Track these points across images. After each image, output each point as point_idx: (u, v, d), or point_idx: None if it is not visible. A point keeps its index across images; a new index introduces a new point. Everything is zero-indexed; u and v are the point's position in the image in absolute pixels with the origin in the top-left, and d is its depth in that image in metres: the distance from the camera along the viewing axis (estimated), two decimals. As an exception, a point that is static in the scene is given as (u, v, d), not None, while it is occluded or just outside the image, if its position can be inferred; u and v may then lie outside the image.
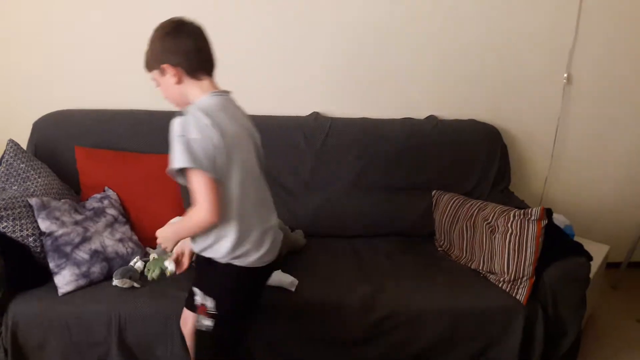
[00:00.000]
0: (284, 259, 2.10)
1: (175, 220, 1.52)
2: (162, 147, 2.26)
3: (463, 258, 2.24)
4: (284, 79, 2.57)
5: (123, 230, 2.07)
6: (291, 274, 1.97)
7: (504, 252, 2.04)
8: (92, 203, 2.09)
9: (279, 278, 1.94)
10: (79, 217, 1.98)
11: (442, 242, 2.38)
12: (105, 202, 2.11)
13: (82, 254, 1.89)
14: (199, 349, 1.57)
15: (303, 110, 2.58)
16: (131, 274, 1.86)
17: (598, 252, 2.47)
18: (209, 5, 2.42)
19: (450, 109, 2.65)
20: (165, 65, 1.44)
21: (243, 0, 2.43)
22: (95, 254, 1.91)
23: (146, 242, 2.14)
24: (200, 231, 1.43)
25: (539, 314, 1.99)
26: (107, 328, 1.79)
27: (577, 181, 2.90)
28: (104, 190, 2.18)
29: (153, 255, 2.01)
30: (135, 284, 1.90)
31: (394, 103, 2.63)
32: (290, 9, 2.47)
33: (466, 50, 2.62)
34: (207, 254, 1.49)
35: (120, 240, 2.02)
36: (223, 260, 1.47)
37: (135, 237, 2.10)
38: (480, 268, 2.14)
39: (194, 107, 1.41)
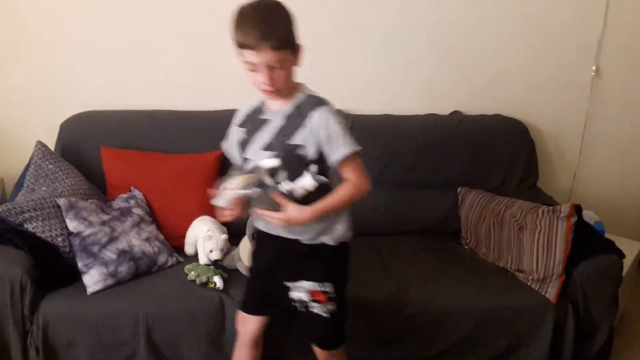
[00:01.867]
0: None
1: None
2: (186, 146, 2.34)
3: (491, 256, 2.21)
4: (306, 76, 2.56)
5: (149, 229, 2.09)
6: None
7: (532, 250, 2.01)
8: (119, 203, 2.12)
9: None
10: (106, 217, 2.01)
11: (469, 239, 2.35)
12: (132, 201, 2.13)
13: (109, 254, 1.91)
14: (330, 333, 1.59)
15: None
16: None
17: (630, 249, 2.41)
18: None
19: (476, 104, 2.61)
20: (299, 46, 1.42)
21: None
22: (122, 253, 1.93)
23: (172, 241, 2.15)
24: (351, 203, 1.48)
25: (569, 313, 1.96)
26: (135, 327, 1.81)
27: (607, 177, 2.83)
28: (130, 190, 2.20)
29: (208, 260, 2.02)
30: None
31: (418, 98, 2.60)
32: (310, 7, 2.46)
33: (491, 44, 2.58)
34: (320, 240, 1.50)
35: (147, 239, 2.03)
36: (335, 242, 1.52)
37: (161, 237, 2.11)
38: (508, 266, 2.11)
39: (317, 95, 1.47)
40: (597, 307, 1.98)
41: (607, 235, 2.33)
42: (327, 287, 1.52)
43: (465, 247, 2.35)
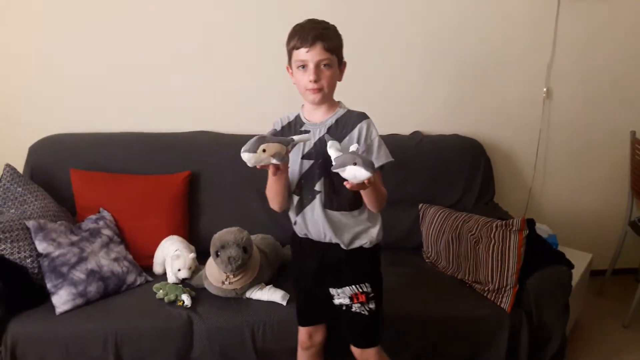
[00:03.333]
0: (276, 274, 2.17)
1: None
2: (154, 168, 2.38)
3: (450, 269, 2.31)
4: (271, 98, 2.65)
5: (118, 249, 2.13)
6: (285, 288, 2.04)
7: (488, 262, 2.11)
8: (88, 224, 2.15)
9: (271, 293, 2.00)
10: (75, 238, 2.04)
11: (430, 254, 2.45)
12: (101, 222, 2.17)
13: (78, 274, 1.94)
14: (370, 331, 1.69)
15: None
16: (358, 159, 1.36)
17: (581, 260, 2.55)
18: (195, 32, 2.51)
19: (434, 125, 2.74)
20: (345, 62, 1.58)
21: (223, 31, 2.52)
22: (91, 273, 1.96)
23: (141, 260, 2.19)
24: (376, 204, 1.55)
25: (523, 322, 2.06)
26: (104, 346, 1.84)
27: (560, 192, 2.99)
28: (99, 212, 2.24)
29: (176, 278, 2.07)
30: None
31: (380, 120, 2.67)
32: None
33: (449, 68, 2.72)
34: (358, 242, 1.61)
35: (116, 259, 2.07)
36: (371, 244, 1.62)
37: (130, 256, 2.15)
38: (466, 278, 2.21)
39: (359, 112, 1.59)
40: (549, 316, 2.09)
41: (560, 247, 2.47)
42: (366, 288, 1.63)
43: (427, 260, 2.45)
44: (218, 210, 2.44)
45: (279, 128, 1.63)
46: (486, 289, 2.11)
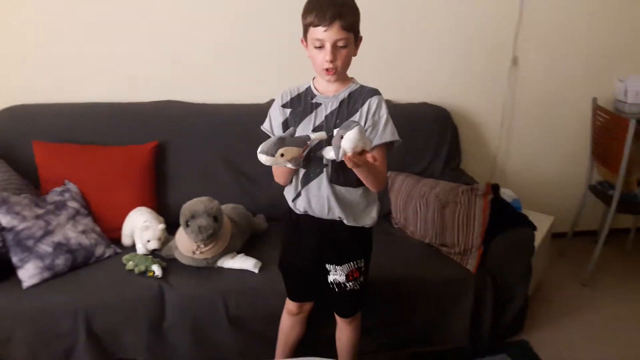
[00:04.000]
0: (247, 243, 2.18)
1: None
2: (120, 139, 2.34)
3: (418, 233, 2.36)
4: (241, 68, 2.62)
5: (85, 222, 2.10)
6: (257, 257, 2.06)
7: (454, 226, 2.17)
8: (53, 197, 2.11)
9: (242, 261, 2.02)
10: (40, 211, 2.00)
11: (398, 219, 2.49)
12: (66, 195, 2.13)
13: (45, 247, 1.91)
14: (357, 303, 1.76)
15: (260, 99, 2.64)
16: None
17: (544, 222, 2.64)
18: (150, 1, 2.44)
19: (404, 93, 2.75)
20: (361, 37, 1.54)
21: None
22: (58, 246, 1.93)
23: (109, 233, 2.17)
24: (374, 184, 1.53)
25: (488, 282, 2.14)
26: (74, 319, 1.82)
27: (524, 158, 3.07)
28: (64, 184, 2.19)
29: (146, 250, 2.06)
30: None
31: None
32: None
33: (417, 36, 2.72)
34: (362, 221, 1.63)
35: (84, 232, 2.04)
36: (369, 224, 1.66)
37: (98, 229, 2.13)
38: (433, 242, 2.27)
39: (371, 87, 1.57)
40: (512, 276, 2.18)
41: (524, 211, 2.54)
42: (362, 263, 1.69)
43: (395, 226, 2.49)
44: (187, 181, 2.42)
45: (287, 99, 1.60)
46: (452, 251, 2.17)
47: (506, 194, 2.64)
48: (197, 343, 1.93)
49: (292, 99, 1.62)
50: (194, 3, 2.47)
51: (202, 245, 1.93)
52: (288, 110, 1.61)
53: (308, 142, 1.41)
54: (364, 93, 1.55)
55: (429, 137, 2.69)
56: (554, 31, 2.85)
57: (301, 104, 1.60)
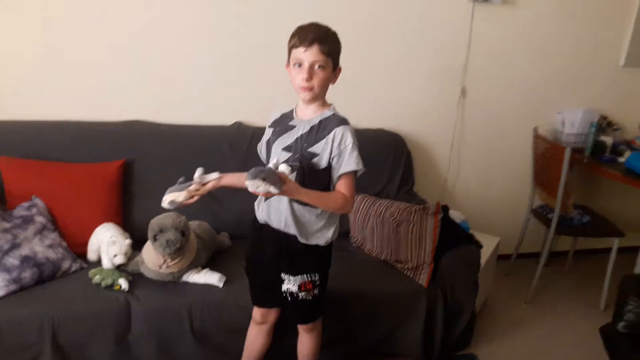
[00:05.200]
0: (211, 259, 2.26)
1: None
2: (87, 156, 2.39)
3: (374, 251, 2.50)
4: (207, 90, 2.73)
5: (52, 237, 2.14)
6: (221, 272, 2.15)
7: (407, 243, 2.33)
8: (20, 211, 2.14)
9: (207, 276, 2.10)
10: (7, 225, 2.03)
11: (357, 238, 2.63)
12: (34, 210, 2.17)
13: (12, 260, 1.94)
14: (312, 311, 1.87)
15: (225, 121, 2.75)
16: (264, 175, 1.49)
17: (490, 242, 2.83)
18: (131, 17, 2.54)
19: (362, 120, 2.91)
20: (338, 68, 1.67)
21: (171, 13, 2.57)
22: (25, 259, 1.97)
23: (75, 248, 2.21)
24: (327, 210, 1.69)
25: (438, 297, 2.29)
26: (39, 331, 1.85)
27: (471, 182, 3.29)
28: (31, 199, 2.23)
29: (112, 264, 2.12)
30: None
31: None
32: (213, 26, 2.64)
33: (375, 68, 2.91)
34: (315, 240, 1.73)
35: (50, 246, 2.08)
36: (326, 243, 1.76)
37: (64, 244, 2.17)
38: (388, 259, 2.41)
39: (342, 116, 1.69)
40: (460, 291, 2.34)
41: (471, 232, 2.72)
42: (315, 277, 1.78)
43: (354, 244, 2.63)
44: (151, 199, 2.40)
45: (273, 120, 1.79)
46: (406, 267, 2.32)
47: (455, 215, 2.82)
48: (162, 355, 1.99)
49: (276, 120, 1.78)
50: (161, 26, 2.57)
51: (168, 260, 2.00)
52: (271, 130, 1.77)
53: (195, 179, 1.63)
54: (333, 122, 1.65)
55: (384, 161, 2.86)
56: (499, 66, 3.11)
57: (281, 124, 1.75)
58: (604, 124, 3.30)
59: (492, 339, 2.67)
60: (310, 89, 1.62)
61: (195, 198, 1.68)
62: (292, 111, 1.76)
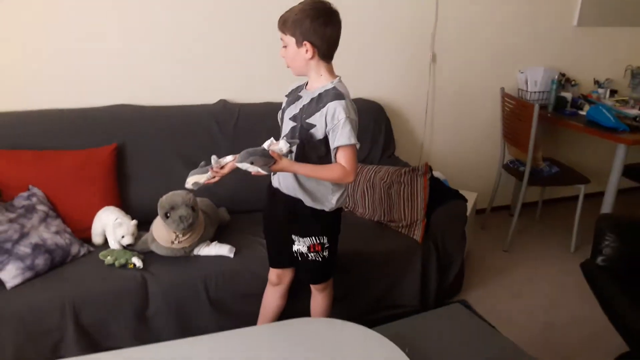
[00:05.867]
0: (215, 233, 2.33)
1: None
2: (77, 143, 2.40)
3: (367, 214, 2.63)
4: (189, 70, 2.75)
5: (56, 223, 2.15)
6: (228, 244, 2.23)
7: (399, 203, 2.47)
8: (21, 201, 2.14)
9: (217, 248, 2.18)
10: (12, 215, 2.04)
11: (347, 203, 2.75)
12: (34, 199, 2.17)
13: (23, 249, 1.96)
14: (322, 272, 1.98)
15: (209, 99, 2.80)
16: (252, 159, 1.62)
17: (469, 197, 2.98)
18: (113, 4, 2.52)
19: (340, 89, 3.02)
20: (307, 43, 1.68)
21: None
22: (36, 247, 1.99)
23: (77, 233, 2.23)
24: (325, 180, 1.79)
25: (431, 250, 2.46)
26: (61, 314, 1.90)
27: (446, 143, 3.46)
28: (29, 189, 2.23)
29: (119, 245, 2.16)
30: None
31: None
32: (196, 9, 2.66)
33: (351, 41, 2.94)
34: (318, 206, 1.82)
35: (57, 232, 2.10)
36: (330, 209, 1.84)
37: (69, 229, 2.19)
38: (382, 219, 2.55)
39: (340, 90, 1.73)
40: (451, 243, 2.51)
41: (452, 189, 2.89)
42: (323, 239, 1.88)
43: (345, 209, 2.75)
44: (146, 180, 2.51)
45: (289, 90, 1.90)
46: (400, 225, 2.47)
47: (436, 175, 2.98)
48: (181, 327, 2.07)
49: (292, 90, 1.89)
50: (141, 9, 2.57)
51: (180, 235, 2.07)
52: (286, 99, 1.89)
53: (213, 167, 1.73)
54: (329, 96, 1.71)
55: (366, 129, 2.98)
56: (465, 31, 3.26)
57: (293, 94, 1.86)
58: (563, 81, 3.52)
59: (478, 286, 2.89)
60: (287, 65, 1.77)
61: (217, 178, 1.76)
62: (305, 83, 1.86)
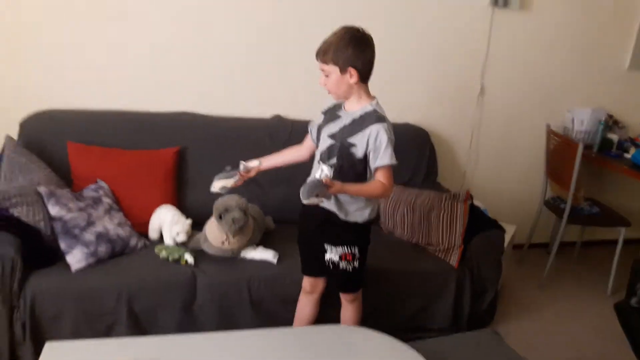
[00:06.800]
0: (262, 239, 2.47)
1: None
2: (141, 144, 2.59)
3: (405, 235, 2.72)
4: (248, 85, 2.94)
5: (119, 216, 2.34)
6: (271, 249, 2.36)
7: (439, 227, 2.55)
8: (89, 192, 2.34)
9: (262, 253, 2.32)
10: (81, 204, 2.23)
11: (387, 224, 2.85)
12: (100, 192, 2.36)
13: (89, 236, 2.14)
14: (353, 282, 2.09)
15: (264, 113, 2.97)
16: (317, 192, 1.76)
17: (508, 229, 3.03)
18: (182, 19, 2.74)
19: (390, 115, 3.13)
20: (351, 68, 1.81)
21: (208, 19, 2.78)
22: (100, 236, 2.17)
23: (135, 227, 2.41)
24: (370, 198, 1.93)
25: (466, 276, 2.52)
26: (117, 299, 2.07)
27: (489, 174, 3.53)
28: (97, 182, 2.42)
29: (174, 242, 2.34)
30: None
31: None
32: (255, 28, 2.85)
33: (404, 69, 3.14)
34: (352, 218, 1.94)
35: (119, 224, 2.29)
36: (363, 221, 1.96)
37: (129, 222, 2.37)
38: (420, 242, 2.64)
39: (380, 113, 1.88)
40: (486, 271, 2.57)
41: (491, 219, 2.95)
42: (354, 250, 1.98)
43: (384, 230, 2.85)
44: (201, 184, 2.63)
45: (326, 108, 2.02)
46: (437, 249, 2.55)
47: (475, 204, 3.05)
48: (223, 322, 2.20)
49: (329, 108, 2.01)
50: (205, 30, 2.78)
51: (231, 237, 2.21)
52: (323, 117, 2.01)
53: (240, 171, 1.90)
54: (371, 118, 1.85)
55: (411, 154, 3.08)
56: (515, 67, 3.34)
57: (331, 113, 1.98)
58: (611, 122, 3.53)
59: (510, 319, 2.91)
60: (329, 92, 1.89)
61: (242, 181, 1.96)
62: (342, 103, 1.98)
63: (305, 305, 2.20)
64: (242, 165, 1.89)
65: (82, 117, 2.61)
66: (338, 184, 1.80)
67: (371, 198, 1.95)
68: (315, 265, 2.10)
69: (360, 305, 2.18)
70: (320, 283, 2.16)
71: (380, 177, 1.87)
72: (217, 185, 1.93)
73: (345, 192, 1.86)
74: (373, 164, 1.86)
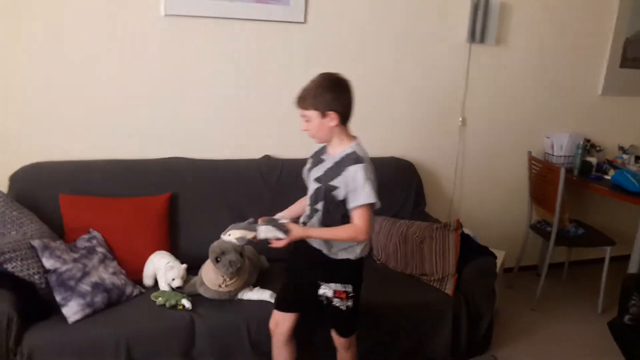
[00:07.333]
0: (258, 279, 2.48)
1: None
2: (132, 191, 2.60)
3: (399, 267, 2.75)
4: (238, 128, 2.99)
5: (113, 265, 2.33)
6: (268, 289, 2.37)
7: (432, 257, 2.59)
8: (83, 243, 2.34)
9: (260, 293, 2.33)
10: (75, 255, 2.23)
11: (380, 256, 2.88)
12: (94, 241, 2.36)
13: (84, 287, 2.13)
14: (347, 324, 2.07)
15: (254, 154, 3.01)
16: (269, 235, 1.90)
17: (497, 255, 3.07)
18: (168, 66, 2.80)
19: (375, 149, 3.18)
20: (331, 112, 1.86)
21: (194, 64, 2.84)
22: (96, 286, 2.16)
23: (130, 275, 2.40)
24: (340, 241, 1.93)
25: (462, 303, 2.55)
26: (116, 348, 2.04)
27: (474, 202, 3.60)
28: (89, 232, 2.42)
29: (169, 288, 2.33)
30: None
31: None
32: (245, 72, 2.92)
33: (386, 103, 3.23)
34: (342, 256, 1.96)
35: (114, 273, 2.28)
36: (355, 257, 1.97)
37: (123, 271, 2.36)
38: (414, 272, 2.67)
39: (359, 154, 1.89)
40: (481, 297, 2.61)
41: (480, 246, 3.00)
42: (348, 288, 1.98)
43: (378, 262, 2.88)
44: (195, 228, 2.69)
45: (313, 152, 2.07)
46: (432, 279, 2.58)
47: (465, 231, 3.10)
48: (223, 366, 2.19)
49: (316, 152, 2.06)
50: (196, 73, 2.85)
51: (227, 279, 2.22)
52: (311, 160, 2.05)
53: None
54: (350, 160, 1.88)
55: (398, 186, 3.14)
56: (493, 98, 3.46)
57: (317, 157, 2.04)
58: (588, 146, 3.66)
59: (507, 343, 2.94)
60: (312, 136, 1.94)
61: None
62: (325, 147, 2.04)
63: (279, 351, 2.15)
64: (265, 232, 1.90)
65: (72, 167, 2.62)
66: (299, 230, 1.88)
67: (342, 241, 1.94)
68: (294, 297, 2.10)
69: (355, 351, 2.16)
70: (287, 320, 2.10)
71: (355, 218, 1.87)
72: (234, 234, 1.89)
73: (309, 236, 1.92)
74: (350, 204, 1.87)
